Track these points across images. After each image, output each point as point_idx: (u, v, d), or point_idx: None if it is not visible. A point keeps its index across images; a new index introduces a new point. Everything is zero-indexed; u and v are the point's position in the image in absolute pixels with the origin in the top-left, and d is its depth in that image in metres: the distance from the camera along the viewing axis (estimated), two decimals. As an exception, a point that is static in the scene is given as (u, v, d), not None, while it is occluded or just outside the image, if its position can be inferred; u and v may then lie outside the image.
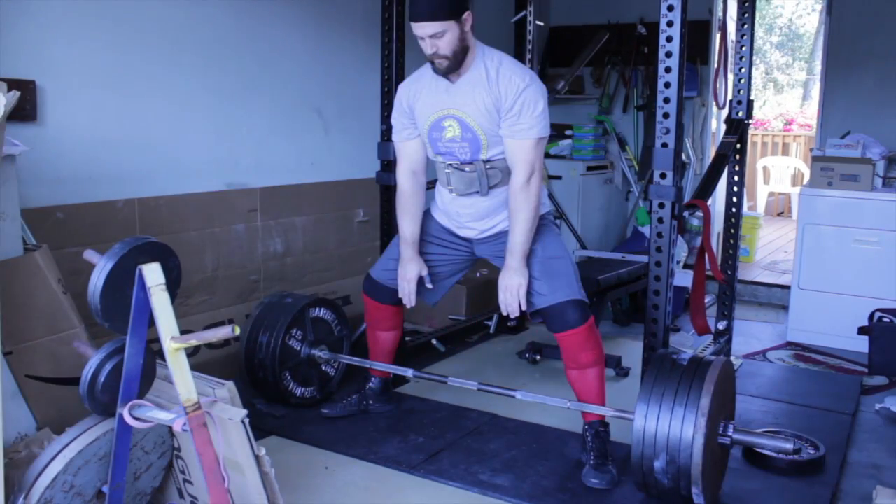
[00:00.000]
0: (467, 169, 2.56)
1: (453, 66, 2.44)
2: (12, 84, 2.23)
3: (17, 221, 2.27)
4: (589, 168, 5.03)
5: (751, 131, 4.51)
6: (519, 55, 4.23)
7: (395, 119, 2.68)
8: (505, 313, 2.59)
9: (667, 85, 2.45)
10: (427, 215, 2.81)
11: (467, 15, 2.40)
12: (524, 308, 2.55)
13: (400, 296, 2.74)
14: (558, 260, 2.58)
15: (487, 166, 2.54)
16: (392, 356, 3.01)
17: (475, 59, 2.47)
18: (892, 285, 3.81)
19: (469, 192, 2.60)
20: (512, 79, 2.43)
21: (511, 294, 2.53)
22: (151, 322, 1.79)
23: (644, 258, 3.64)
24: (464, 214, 2.68)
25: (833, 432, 2.89)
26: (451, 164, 2.58)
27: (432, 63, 2.45)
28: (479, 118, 2.47)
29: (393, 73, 3.20)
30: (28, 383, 2.23)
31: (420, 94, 2.57)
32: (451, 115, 2.51)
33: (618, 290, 3.90)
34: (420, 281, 2.74)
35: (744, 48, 3.47)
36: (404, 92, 2.63)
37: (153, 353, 1.91)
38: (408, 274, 2.71)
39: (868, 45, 4.51)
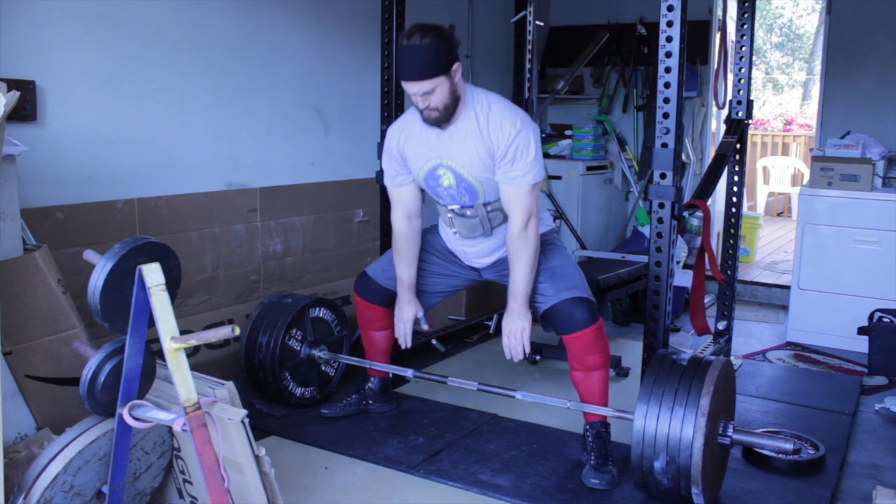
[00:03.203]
0: (469, 213, 2.57)
1: (445, 118, 2.41)
2: (12, 84, 2.24)
3: (17, 221, 2.27)
4: (589, 168, 5.03)
5: (751, 131, 4.51)
6: (519, 55, 4.24)
7: (387, 165, 2.67)
8: (508, 357, 2.59)
9: (667, 85, 2.45)
10: (433, 232, 2.84)
11: (456, 66, 2.37)
12: (528, 352, 2.56)
13: (396, 335, 2.78)
14: (562, 265, 2.59)
15: (488, 209, 2.55)
16: (388, 355, 3.01)
17: (465, 107, 2.44)
18: (892, 285, 3.82)
19: (473, 235, 2.63)
20: (503, 125, 2.40)
21: (515, 338, 2.54)
22: (151, 322, 1.79)
23: (644, 258, 3.65)
24: (469, 253, 2.72)
25: (833, 432, 2.89)
26: (452, 209, 2.60)
27: (422, 113, 2.43)
28: (472, 168, 2.46)
29: (393, 73, 3.20)
30: (28, 383, 2.23)
31: (409, 140, 2.56)
32: (443, 164, 2.50)
33: (618, 290, 3.90)
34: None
35: (744, 48, 3.47)
36: (394, 139, 2.61)
37: (153, 353, 1.91)
38: (404, 315, 2.74)
39: (868, 45, 4.51)
